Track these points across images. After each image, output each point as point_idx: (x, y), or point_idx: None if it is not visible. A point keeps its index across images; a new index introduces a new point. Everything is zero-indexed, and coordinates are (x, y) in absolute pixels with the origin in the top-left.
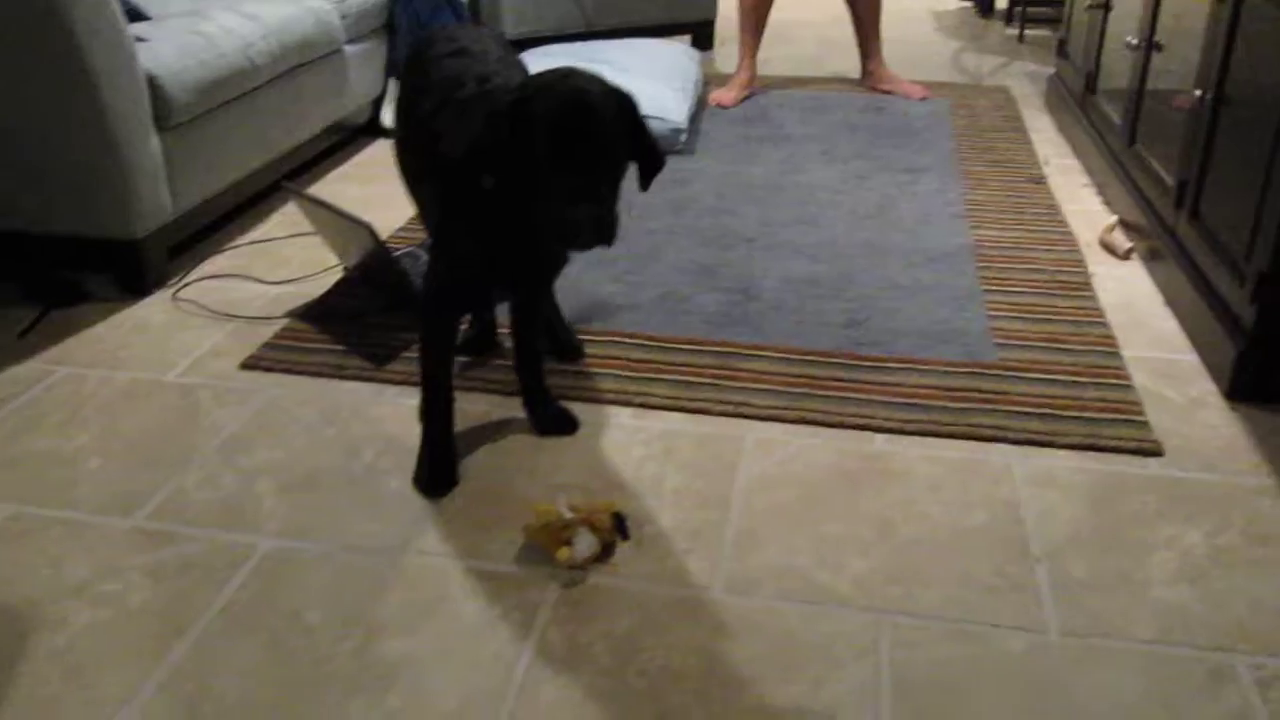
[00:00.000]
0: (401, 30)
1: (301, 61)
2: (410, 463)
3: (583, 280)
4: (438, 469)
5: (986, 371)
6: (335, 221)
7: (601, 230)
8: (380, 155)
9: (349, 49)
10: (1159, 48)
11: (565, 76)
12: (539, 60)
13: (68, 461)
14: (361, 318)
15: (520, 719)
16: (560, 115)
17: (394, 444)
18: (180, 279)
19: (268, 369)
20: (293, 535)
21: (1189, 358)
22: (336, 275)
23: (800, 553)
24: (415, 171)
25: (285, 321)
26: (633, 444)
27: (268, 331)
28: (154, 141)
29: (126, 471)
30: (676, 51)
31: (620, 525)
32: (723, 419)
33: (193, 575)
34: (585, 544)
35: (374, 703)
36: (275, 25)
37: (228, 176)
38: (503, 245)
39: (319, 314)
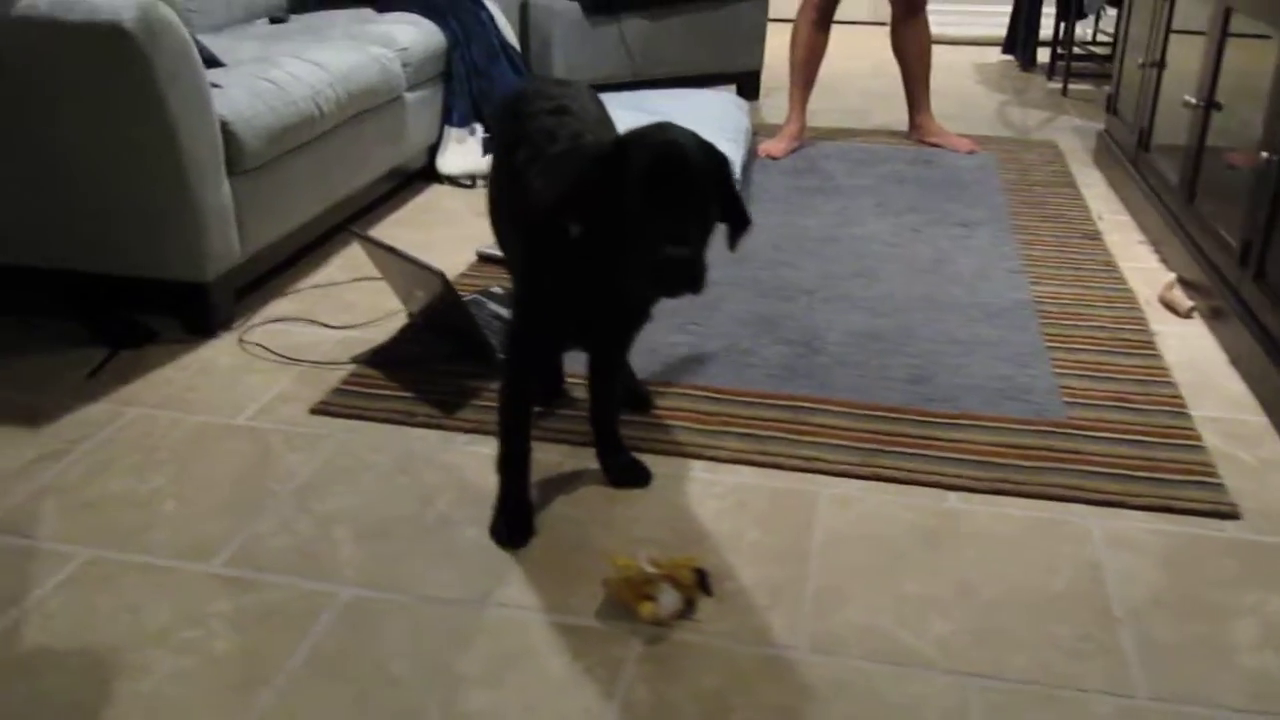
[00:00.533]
0: (459, 77)
1: (365, 108)
2: (484, 512)
3: (648, 331)
4: (516, 521)
5: (1056, 430)
6: (403, 267)
7: (691, 275)
8: (436, 201)
9: (409, 96)
10: (1219, 107)
11: (661, 128)
12: None
13: (143, 505)
14: (428, 364)
15: None
16: (655, 161)
17: (467, 493)
18: (246, 322)
19: (337, 414)
20: (372, 584)
21: (1258, 419)
22: (400, 321)
23: (882, 612)
24: (505, 224)
25: (352, 367)
26: (706, 497)
27: (335, 377)
28: (225, 186)
29: (202, 516)
30: (725, 101)
31: (703, 581)
32: (795, 474)
33: (274, 623)
34: (669, 600)
35: None
36: (341, 73)
37: (293, 221)
38: (588, 298)
39: (385, 360)
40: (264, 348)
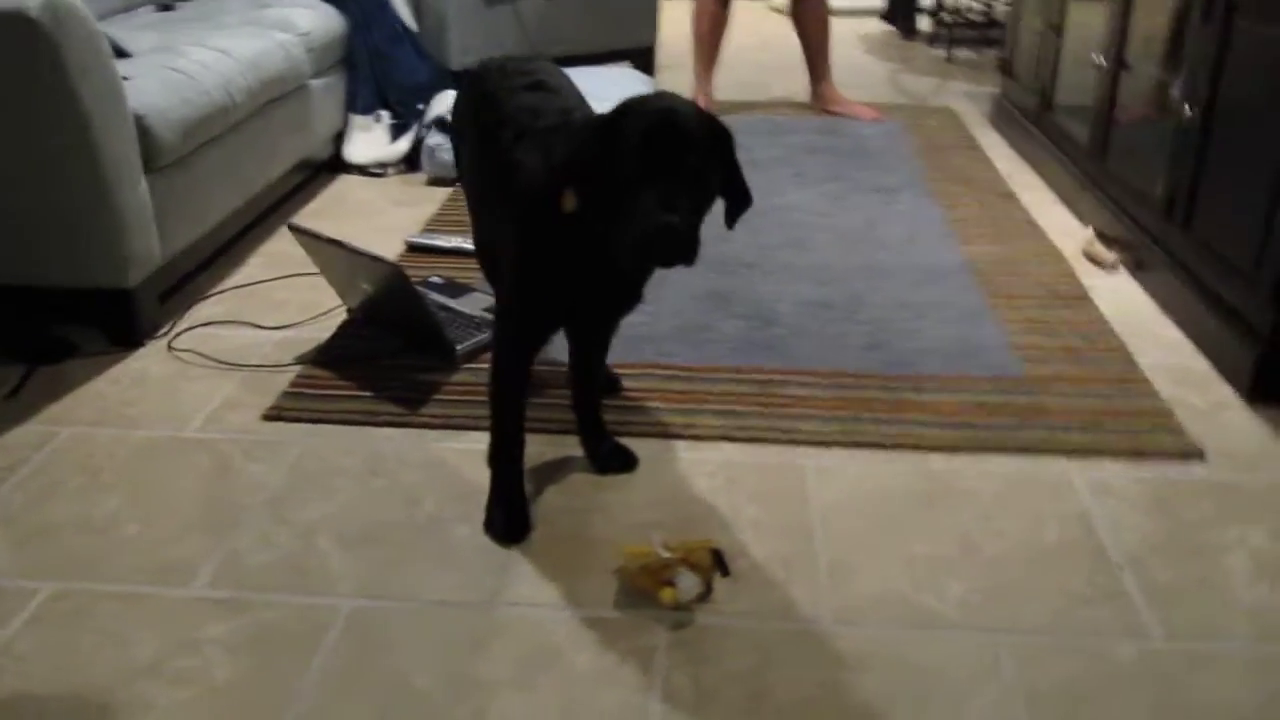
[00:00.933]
0: (361, 63)
1: (273, 97)
2: (473, 509)
3: None
4: (513, 515)
5: (1017, 387)
6: (349, 260)
7: (683, 244)
8: (348, 191)
9: (313, 83)
10: (1127, 67)
11: (660, 96)
12: None
13: (101, 530)
14: (378, 360)
15: None
16: (651, 127)
17: (452, 490)
18: (171, 328)
19: (294, 419)
20: (372, 594)
21: (1199, 363)
22: (339, 317)
23: (895, 577)
24: (486, 207)
25: (298, 368)
26: (696, 476)
27: (281, 380)
28: (143, 185)
29: (170, 537)
30: (631, 77)
31: (720, 562)
32: (777, 446)
33: (275, 644)
34: (689, 584)
35: None
36: (249, 60)
37: (210, 219)
38: (582, 278)
39: (333, 358)
40: (198, 354)
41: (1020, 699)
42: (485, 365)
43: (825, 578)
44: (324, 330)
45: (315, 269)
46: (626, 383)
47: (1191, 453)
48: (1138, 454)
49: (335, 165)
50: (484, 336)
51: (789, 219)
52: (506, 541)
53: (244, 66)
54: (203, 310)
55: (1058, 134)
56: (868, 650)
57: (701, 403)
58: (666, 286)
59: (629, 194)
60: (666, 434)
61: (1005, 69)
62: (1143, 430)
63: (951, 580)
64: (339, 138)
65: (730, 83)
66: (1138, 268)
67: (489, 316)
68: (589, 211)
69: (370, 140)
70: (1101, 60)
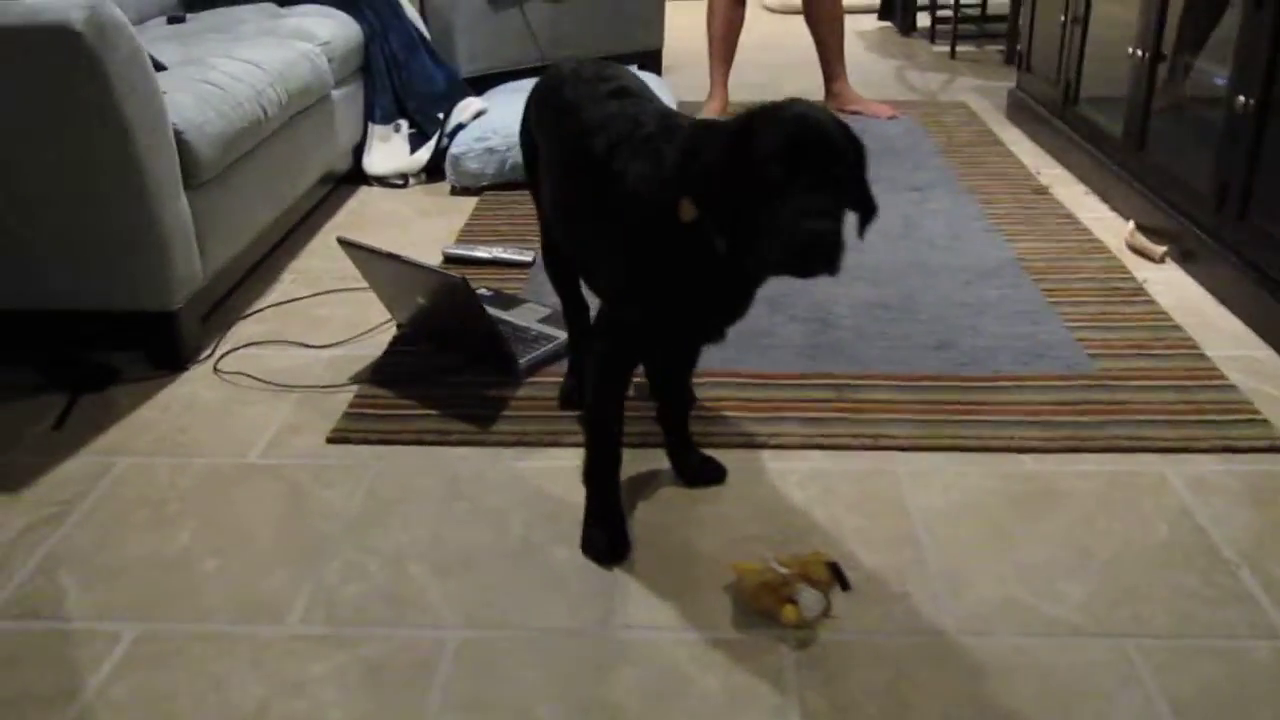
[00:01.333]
0: (379, 72)
1: (301, 108)
2: (567, 530)
3: None
4: (615, 535)
5: (1095, 383)
6: (405, 274)
7: (833, 250)
8: (371, 203)
9: (335, 93)
10: (1164, 58)
11: (794, 102)
12: (509, 97)
13: (177, 566)
14: (439, 378)
15: None
16: (798, 134)
17: (540, 511)
18: (214, 350)
19: (361, 441)
20: (477, 624)
21: (1267, 353)
22: (389, 333)
23: (1012, 584)
24: (575, 218)
25: (354, 388)
26: (788, 486)
27: (339, 401)
28: (183, 202)
29: (252, 570)
30: (648, 80)
31: (839, 575)
32: (865, 453)
33: (387, 680)
34: (812, 600)
35: None
36: (278, 71)
37: (246, 236)
38: (698, 291)
39: (390, 377)
40: (248, 376)
41: (1165, 705)
42: (547, 380)
43: (941, 587)
44: (375, 347)
45: (354, 284)
46: (698, 393)
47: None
48: (1228, 448)
49: (354, 177)
50: (546, 349)
51: None
52: (608, 562)
53: (273, 78)
54: (244, 330)
55: (1086, 127)
56: (1000, 660)
57: (779, 410)
58: None
59: (771, 203)
60: (751, 444)
61: (1021, 63)
62: (1227, 423)
63: (1070, 585)
64: (358, 149)
65: (738, 84)
66: (1185, 259)
67: (544, 329)
68: (710, 222)
69: (389, 151)
70: (1138, 52)
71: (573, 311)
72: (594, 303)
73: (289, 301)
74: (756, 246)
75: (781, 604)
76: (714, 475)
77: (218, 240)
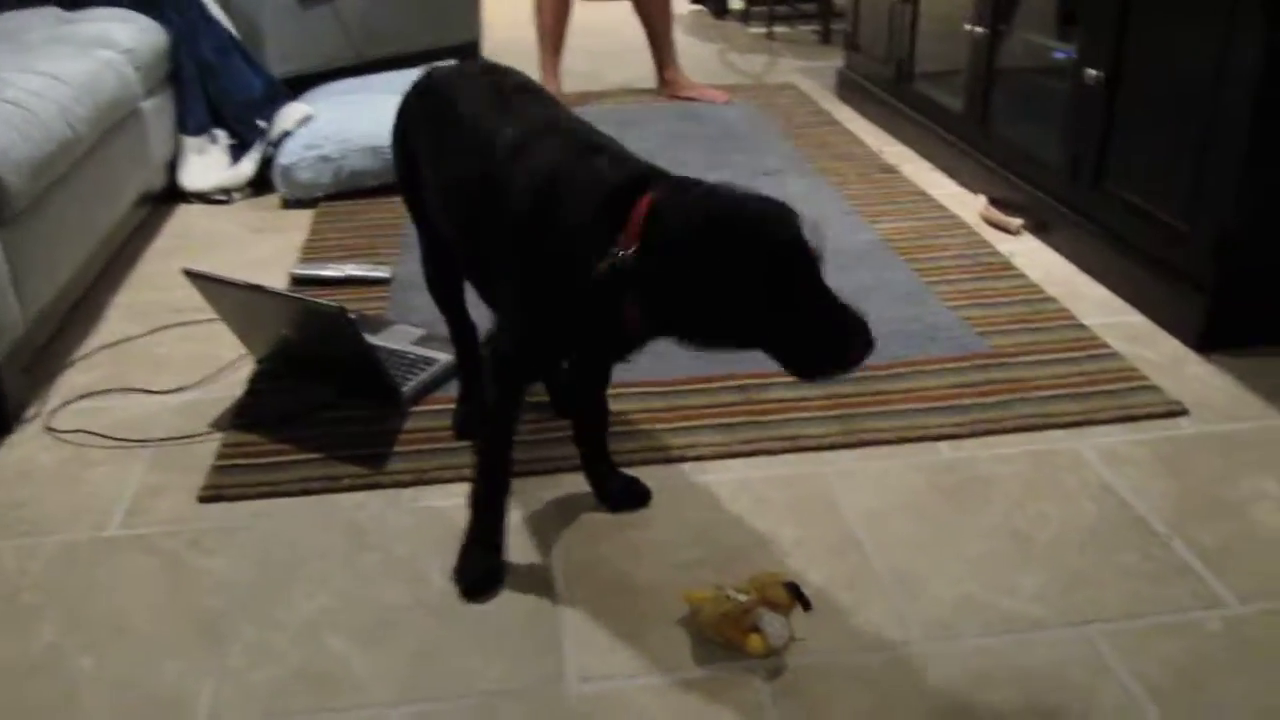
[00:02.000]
0: (189, 79)
1: (111, 124)
2: None
3: None
4: (492, 565)
5: (990, 362)
6: (271, 306)
7: (870, 337)
8: (193, 223)
9: (145, 105)
10: (1001, 33)
11: (760, 201)
12: (336, 100)
13: (45, 670)
14: (314, 416)
15: None
16: (784, 245)
17: (455, 557)
18: (42, 406)
19: (238, 497)
20: (416, 696)
21: (1138, 319)
22: (243, 370)
23: (964, 580)
24: (468, 225)
25: (218, 436)
26: (717, 500)
27: (203, 452)
28: None
29: (139, 666)
30: None
31: (799, 595)
32: (785, 456)
33: None
34: (777, 625)
35: None
36: (82, 84)
37: (66, 271)
38: (601, 330)
39: (257, 419)
40: (89, 433)
41: (1141, 691)
42: (434, 407)
43: (896, 592)
44: (232, 387)
45: (194, 316)
46: None
47: (1176, 410)
48: (1128, 417)
49: (171, 195)
50: (428, 374)
51: None
52: (481, 592)
53: (78, 92)
54: (75, 380)
55: (924, 103)
56: (974, 665)
57: (689, 419)
58: None
59: (790, 315)
60: (668, 458)
61: (848, 42)
62: (1122, 392)
63: (1020, 576)
64: (173, 165)
65: (563, 73)
66: (1041, 230)
67: (421, 352)
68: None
69: (207, 164)
70: (977, 28)
71: (460, 334)
72: (482, 316)
73: (122, 341)
74: (795, 359)
75: (746, 634)
76: (639, 498)
77: (35, 280)
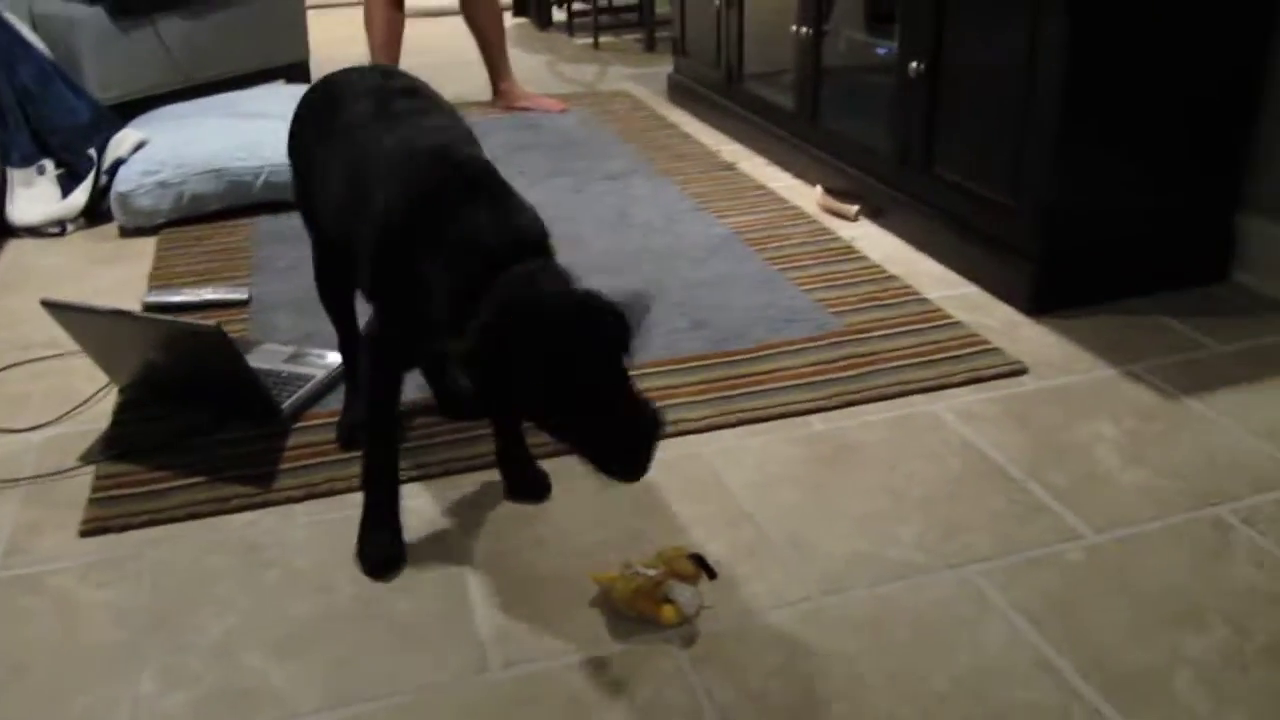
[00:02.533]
0: (10, 109)
1: None
2: (399, 579)
3: None
4: (394, 542)
5: (846, 338)
6: (141, 330)
7: (658, 429)
8: (27, 259)
9: None
10: (825, 33)
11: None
12: (170, 124)
13: None
14: (191, 439)
15: None
16: (580, 346)
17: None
18: None
19: (123, 528)
20: (344, 700)
21: (973, 290)
22: (106, 403)
23: (851, 538)
24: (339, 215)
25: (89, 469)
26: (608, 487)
27: (76, 486)
28: None
29: (47, 704)
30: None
31: (704, 565)
32: (670, 441)
33: None
34: (688, 595)
35: None
36: None
37: None
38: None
39: (131, 448)
40: None
41: (1021, 620)
42: (315, 423)
43: (790, 555)
44: (97, 419)
45: (43, 352)
46: None
47: (1018, 368)
48: (977, 379)
49: None
50: (306, 389)
51: (543, 217)
52: (385, 572)
53: None
54: None
55: (756, 103)
56: (870, 612)
57: None
58: None
59: (574, 411)
60: (556, 450)
61: (676, 48)
62: (968, 356)
63: (900, 528)
64: None
65: None
66: (876, 215)
67: (294, 369)
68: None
69: (36, 196)
70: (801, 29)
71: (347, 341)
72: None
73: None
74: (586, 452)
75: (659, 606)
76: (542, 492)
77: None
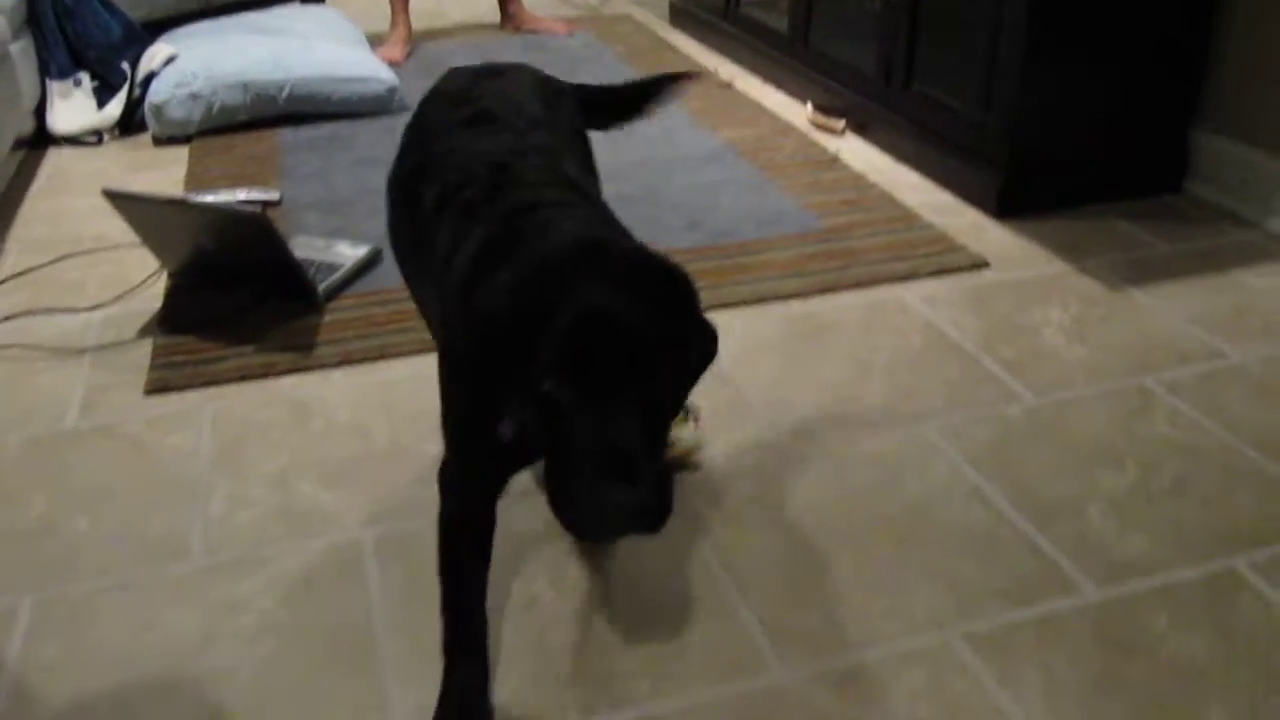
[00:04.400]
0: (49, 25)
1: None
2: (428, 428)
3: None
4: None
5: (827, 237)
6: (193, 217)
7: (649, 518)
8: (69, 166)
9: (13, 49)
10: None
11: (582, 275)
12: (197, 40)
13: (43, 533)
14: (240, 316)
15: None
16: (582, 337)
17: (397, 418)
18: None
19: (183, 388)
20: (385, 519)
21: (946, 196)
22: (159, 285)
23: (822, 397)
24: (421, 281)
25: (148, 341)
26: None
27: (138, 356)
28: None
29: (129, 523)
30: (333, 15)
31: (689, 413)
32: None
33: (320, 585)
34: (687, 434)
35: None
36: None
37: None
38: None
39: (185, 323)
40: (21, 347)
41: (963, 461)
42: (348, 304)
43: (768, 411)
44: (151, 300)
45: (94, 246)
46: None
47: (980, 263)
48: (943, 271)
49: (40, 140)
50: (340, 274)
51: None
52: None
53: None
54: None
55: (752, 26)
56: (839, 454)
57: None
58: None
59: (557, 437)
60: None
61: None
62: (936, 253)
63: (865, 389)
64: (40, 110)
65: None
66: (862, 129)
67: (327, 258)
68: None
69: (74, 107)
70: None
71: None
72: None
73: (27, 272)
74: (554, 499)
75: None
76: None
77: None
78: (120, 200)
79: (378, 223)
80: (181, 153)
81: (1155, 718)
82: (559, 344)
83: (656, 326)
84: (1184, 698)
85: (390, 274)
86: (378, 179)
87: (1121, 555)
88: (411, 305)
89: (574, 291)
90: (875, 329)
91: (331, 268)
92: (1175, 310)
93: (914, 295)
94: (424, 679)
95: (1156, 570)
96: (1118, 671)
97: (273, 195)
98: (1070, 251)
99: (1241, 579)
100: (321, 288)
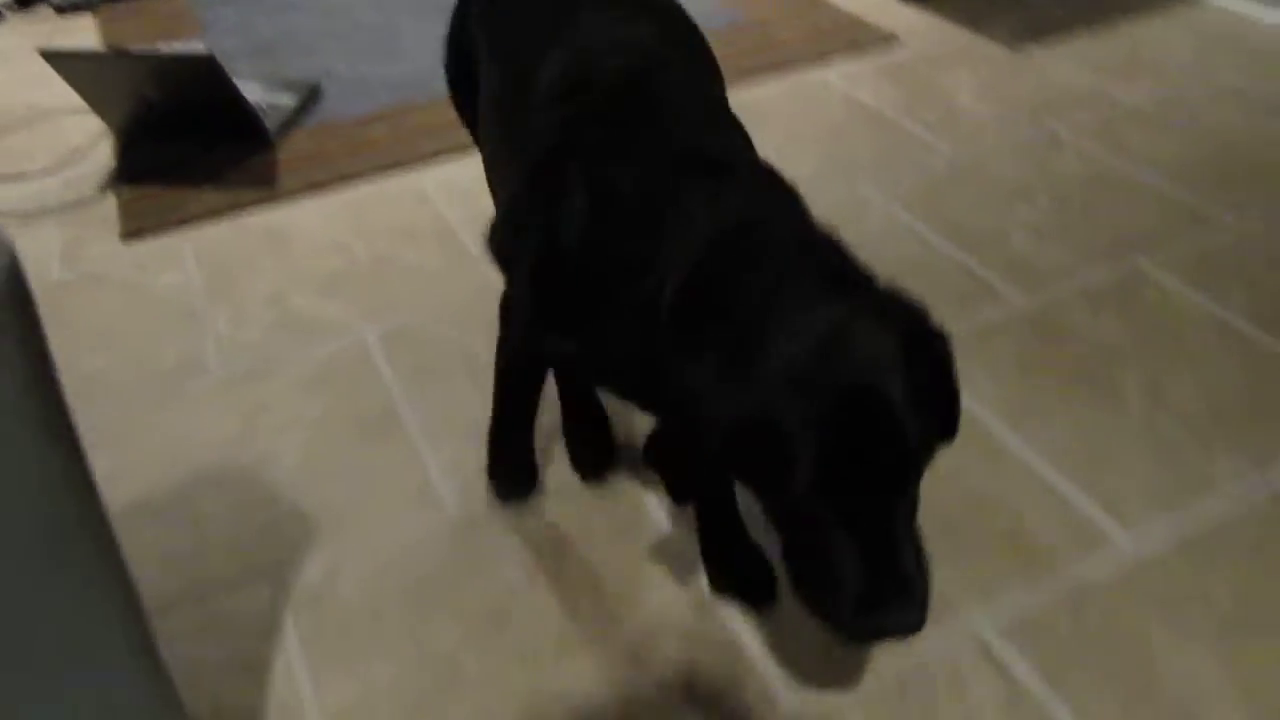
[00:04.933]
0: None
1: None
2: (423, 238)
3: None
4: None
5: (751, 29)
6: (139, 67)
7: (921, 614)
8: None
9: None
10: None
11: (847, 356)
12: None
13: (61, 369)
14: (196, 157)
15: None
16: (851, 436)
17: (369, 230)
18: None
19: (159, 231)
20: (381, 319)
21: None
22: (106, 142)
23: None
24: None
25: (109, 194)
26: None
27: (105, 209)
28: None
29: (141, 354)
30: None
31: None
32: None
33: (338, 376)
34: None
35: None
36: None
37: None
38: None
39: (144, 172)
40: None
41: (898, 207)
42: (298, 138)
43: None
44: (98, 161)
45: (27, 115)
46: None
47: (890, 38)
48: (857, 48)
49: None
50: (284, 114)
51: None
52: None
53: None
54: None
55: None
56: None
57: None
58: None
59: (819, 542)
60: None
61: None
62: (850, 34)
63: (801, 158)
64: None
65: None
66: None
67: (269, 99)
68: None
69: None
70: None
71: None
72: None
73: None
74: (810, 599)
75: None
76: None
77: None
78: (59, 59)
79: (309, 62)
80: (88, 21)
81: (1083, 386)
82: (816, 449)
83: (925, 420)
84: (1104, 369)
85: (336, 108)
86: (302, 20)
87: (1043, 267)
88: (362, 134)
89: (835, 375)
90: (803, 108)
91: (276, 108)
92: (1074, 63)
93: (834, 74)
94: (453, 437)
95: (1074, 275)
96: (1049, 356)
97: (199, 48)
98: (974, 23)
99: (1145, 274)
100: (272, 130)
